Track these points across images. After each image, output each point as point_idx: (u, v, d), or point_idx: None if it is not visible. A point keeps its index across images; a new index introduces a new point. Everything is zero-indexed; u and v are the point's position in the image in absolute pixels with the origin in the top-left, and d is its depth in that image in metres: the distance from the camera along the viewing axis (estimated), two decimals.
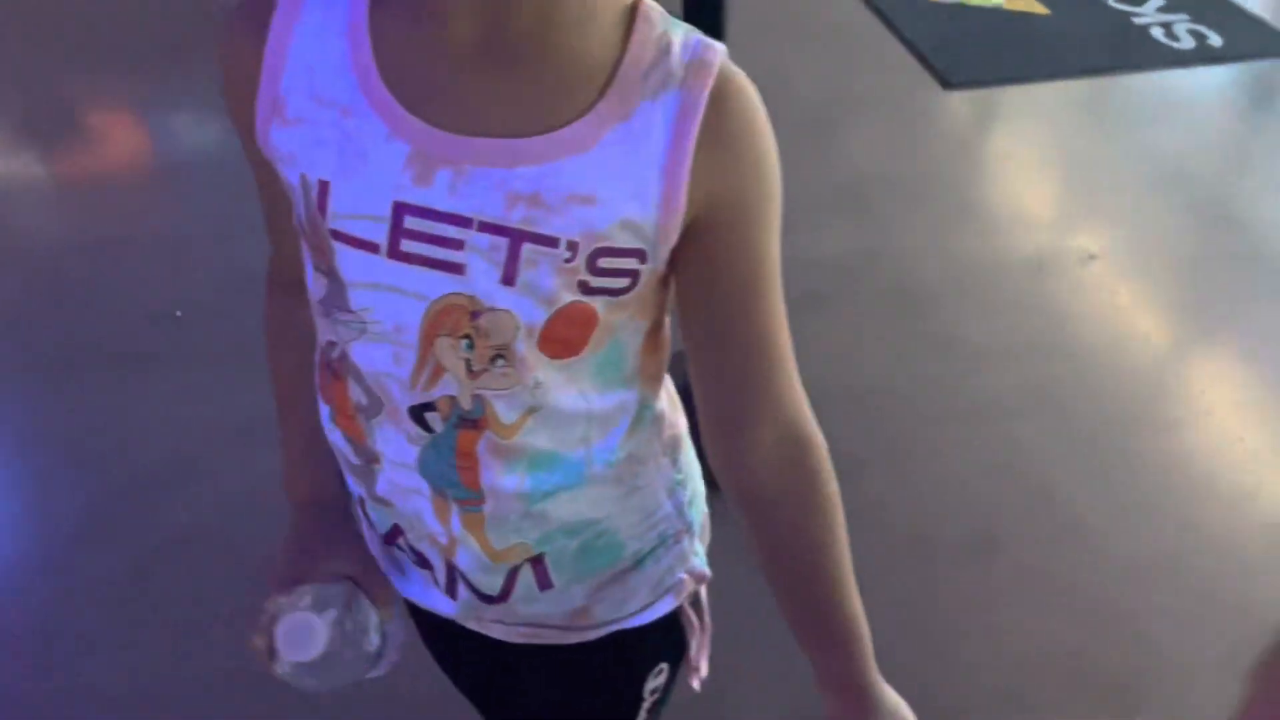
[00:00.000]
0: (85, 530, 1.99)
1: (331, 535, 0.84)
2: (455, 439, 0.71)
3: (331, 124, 0.66)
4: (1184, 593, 1.85)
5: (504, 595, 0.80)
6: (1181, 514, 2.00)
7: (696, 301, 0.72)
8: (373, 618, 0.79)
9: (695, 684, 0.92)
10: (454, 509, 0.75)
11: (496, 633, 0.86)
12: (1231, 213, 2.85)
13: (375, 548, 0.87)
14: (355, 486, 0.82)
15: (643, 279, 0.68)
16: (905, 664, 0.89)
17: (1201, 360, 2.43)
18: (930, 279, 2.56)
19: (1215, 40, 3.54)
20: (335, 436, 0.79)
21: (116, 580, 1.90)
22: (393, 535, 0.82)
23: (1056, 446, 2.12)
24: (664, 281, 0.72)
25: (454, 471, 0.73)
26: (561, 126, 0.64)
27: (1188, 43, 3.54)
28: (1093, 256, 2.63)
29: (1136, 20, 3.65)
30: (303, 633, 0.73)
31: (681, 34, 0.67)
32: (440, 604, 0.85)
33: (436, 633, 0.98)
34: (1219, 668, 1.72)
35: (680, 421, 0.85)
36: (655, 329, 0.75)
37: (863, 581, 0.79)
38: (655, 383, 0.79)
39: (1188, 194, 2.91)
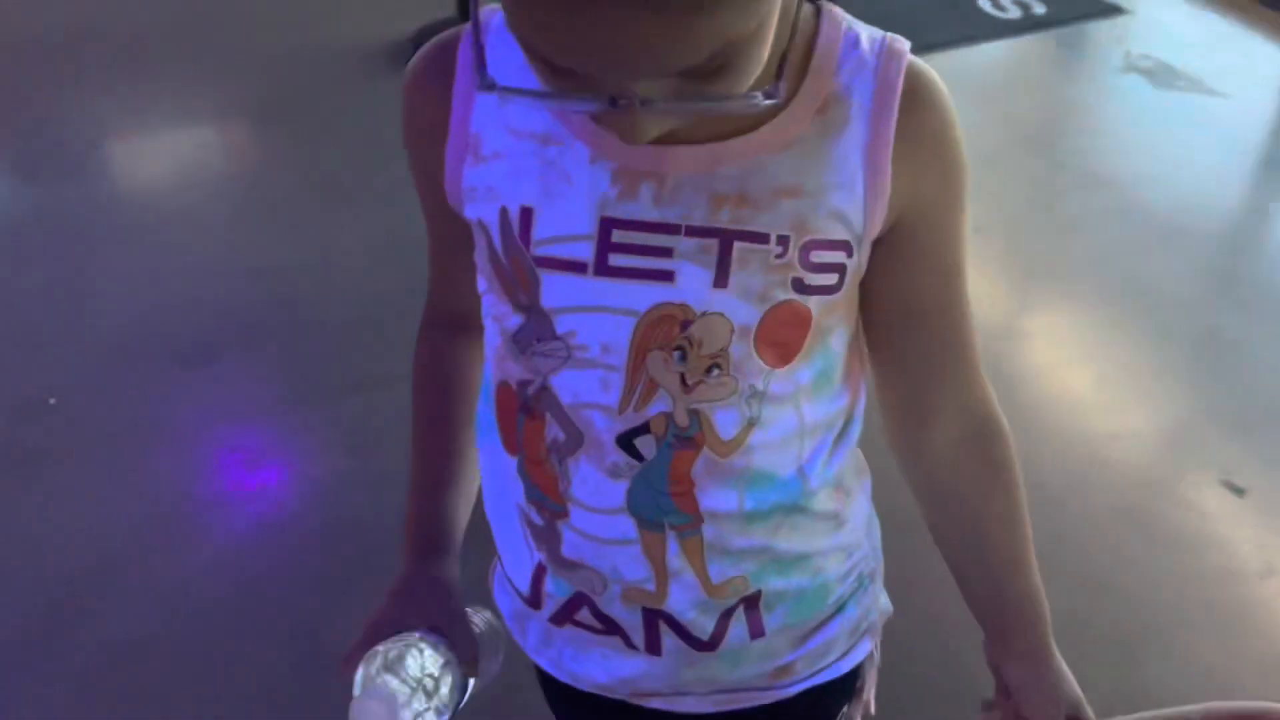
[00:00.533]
0: (16, 656, 1.78)
1: (433, 582, 0.79)
2: (670, 461, 0.69)
3: (531, 154, 0.66)
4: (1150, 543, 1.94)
5: (714, 642, 0.76)
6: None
7: (891, 294, 0.71)
8: (452, 674, 0.74)
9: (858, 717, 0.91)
10: (670, 538, 0.71)
11: (687, 705, 0.81)
12: (1096, 169, 3.03)
13: (533, 634, 0.82)
14: (527, 552, 0.78)
15: (849, 276, 0.67)
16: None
17: (1103, 324, 2.57)
18: None
19: (1039, 9, 3.75)
20: (517, 494, 0.75)
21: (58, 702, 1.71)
22: (572, 608, 0.78)
23: None
24: (859, 285, 0.71)
25: (668, 499, 0.70)
26: (761, 125, 0.63)
27: (1014, 12, 3.73)
28: (978, 229, 2.74)
29: None
30: (371, 709, 0.69)
31: (868, 30, 0.67)
32: (628, 668, 0.79)
33: (595, 716, 0.90)
34: (1205, 608, 1.82)
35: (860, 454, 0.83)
36: (855, 338, 0.74)
37: None
38: (859, 396, 0.77)
39: (1051, 156, 3.07)
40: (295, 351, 2.44)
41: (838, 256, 0.66)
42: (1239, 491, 2.09)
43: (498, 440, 0.75)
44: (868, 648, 0.86)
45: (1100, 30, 3.69)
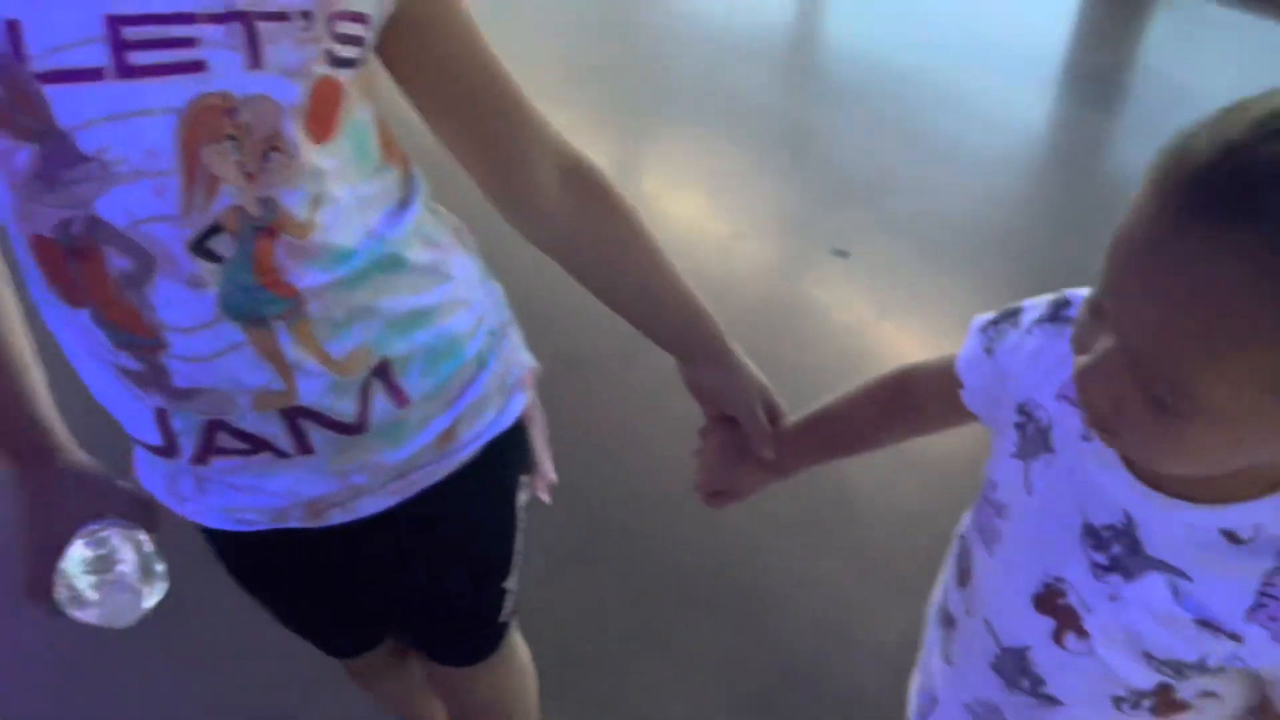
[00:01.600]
0: None
1: (68, 484, 0.77)
2: (252, 253, 0.65)
3: None
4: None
5: (362, 423, 0.75)
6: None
7: (428, 66, 0.73)
8: (144, 549, 0.76)
9: (546, 495, 0.97)
10: (279, 330, 0.69)
11: (366, 507, 0.82)
12: (668, 4, 3.20)
13: (184, 480, 0.79)
14: (138, 403, 0.73)
15: (366, 48, 0.67)
16: None
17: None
18: None
19: None
20: (101, 349, 0.70)
21: None
22: (209, 439, 0.74)
23: None
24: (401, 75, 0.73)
25: (262, 290, 0.67)
26: None
27: None
28: (577, 80, 2.83)
29: None
30: (75, 598, 0.72)
31: None
32: (291, 483, 0.78)
33: (282, 562, 0.91)
34: (841, 356, 2.06)
35: (459, 222, 0.85)
36: (378, 119, 0.74)
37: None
38: (407, 165, 0.78)
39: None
40: None
41: (358, 29, 0.65)
42: (845, 254, 2.38)
43: (57, 299, 0.68)
44: (522, 399, 0.88)
45: None
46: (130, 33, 0.58)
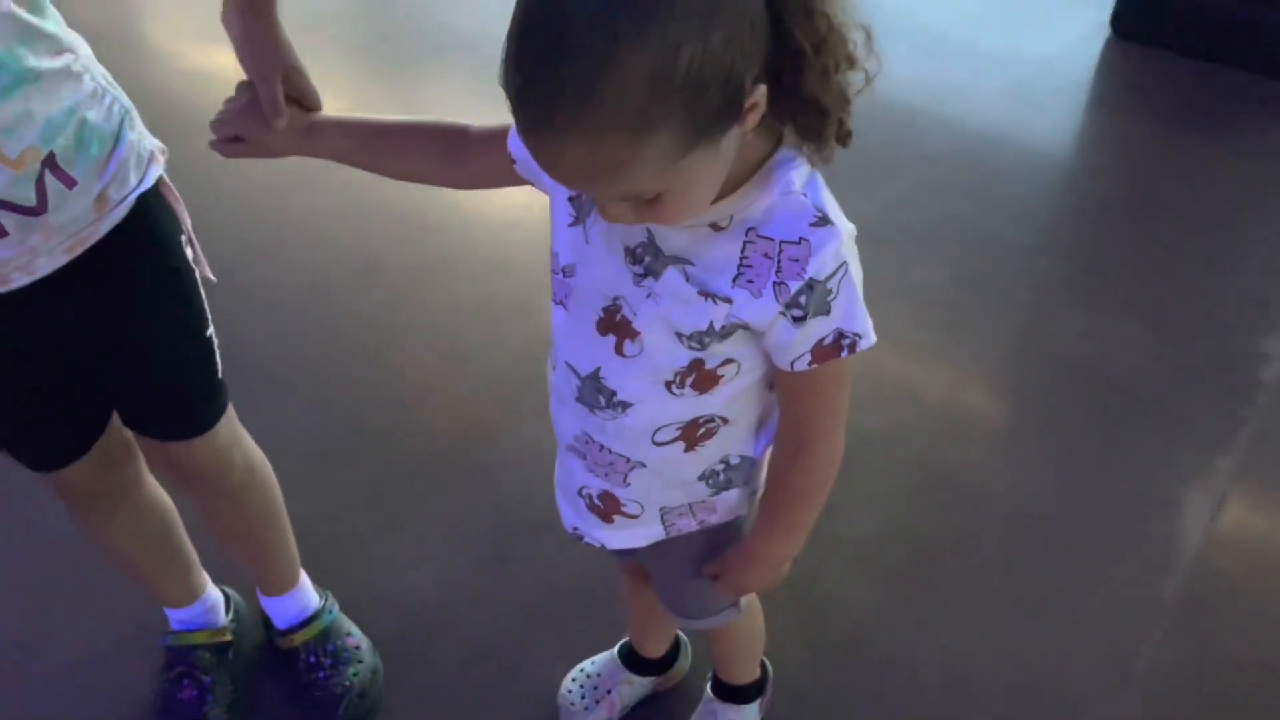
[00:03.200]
0: None
1: None
2: None
3: None
4: None
5: (43, 205, 0.91)
6: None
7: None
8: None
9: (208, 270, 1.09)
10: None
11: (42, 267, 0.94)
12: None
13: None
14: None
15: None
16: None
17: None
18: None
19: None
20: None
21: None
22: None
23: None
24: None
25: None
26: None
27: None
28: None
29: None
30: None
31: None
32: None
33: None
34: None
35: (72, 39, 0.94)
36: None
37: None
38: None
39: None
40: None
41: None
42: None
43: None
44: (158, 170, 1.03)
45: None
46: None
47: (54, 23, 0.91)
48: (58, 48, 0.91)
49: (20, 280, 0.94)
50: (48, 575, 1.55)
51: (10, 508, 1.62)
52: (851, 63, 0.72)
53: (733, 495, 0.95)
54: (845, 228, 0.76)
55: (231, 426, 1.19)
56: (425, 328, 2.03)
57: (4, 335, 1.00)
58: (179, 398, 1.13)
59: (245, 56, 0.93)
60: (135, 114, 1.00)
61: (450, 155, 0.95)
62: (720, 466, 0.92)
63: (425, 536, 1.63)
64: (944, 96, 2.75)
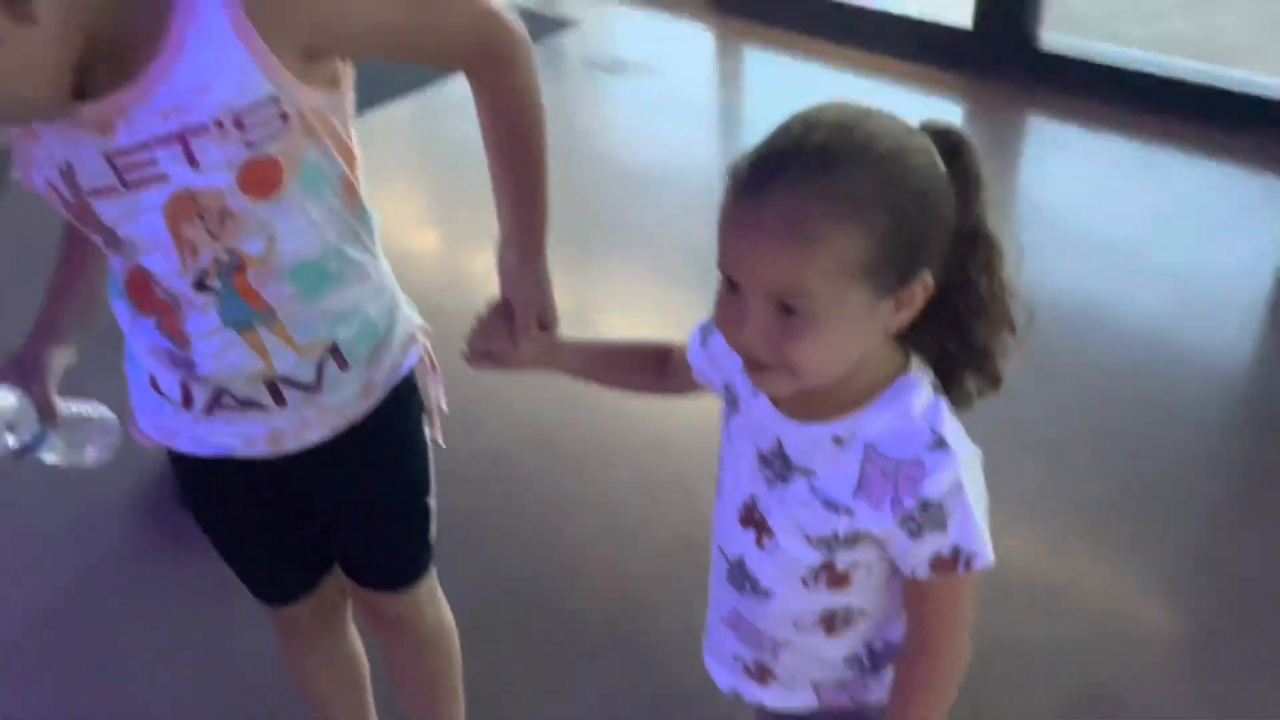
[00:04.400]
0: None
1: (36, 358, 1.09)
2: (232, 283, 0.98)
3: (56, 132, 0.91)
4: None
5: (318, 383, 1.06)
6: None
7: (362, 46, 0.96)
8: (29, 421, 1.06)
9: (439, 436, 1.23)
10: (261, 330, 1.01)
11: (312, 437, 1.10)
12: (585, 147, 3.54)
13: (182, 420, 1.09)
14: (172, 375, 1.05)
15: (294, 111, 0.91)
16: None
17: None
18: None
19: None
20: (154, 339, 1.02)
21: None
22: (215, 400, 1.06)
23: None
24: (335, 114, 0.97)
25: (244, 305, 0.99)
26: (161, 51, 0.86)
27: None
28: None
29: None
30: None
31: None
32: (265, 425, 1.08)
33: (240, 489, 1.17)
34: None
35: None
36: (347, 149, 1.00)
37: None
38: (358, 191, 1.04)
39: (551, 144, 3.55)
40: None
41: (271, 110, 0.90)
42: None
43: (133, 306, 1.03)
44: (417, 353, 1.17)
45: (561, 41, 4.28)
46: (120, 162, 0.91)
47: (371, 224, 1.08)
48: (370, 247, 1.08)
49: (290, 446, 1.10)
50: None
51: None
52: (1013, 329, 0.83)
53: (886, 676, 1.00)
54: (964, 451, 0.83)
55: (431, 584, 1.33)
56: (593, 501, 2.15)
57: (261, 487, 1.17)
58: (396, 555, 1.27)
59: (509, 286, 1.11)
60: (401, 296, 1.16)
61: (658, 374, 1.09)
62: (863, 651, 0.97)
63: (583, 703, 1.69)
64: (1112, 304, 2.77)
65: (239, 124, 0.90)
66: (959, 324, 0.82)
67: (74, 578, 2.10)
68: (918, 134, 0.80)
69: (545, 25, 4.36)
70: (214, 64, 0.87)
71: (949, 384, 0.86)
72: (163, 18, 0.86)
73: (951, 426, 0.84)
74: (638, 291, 2.87)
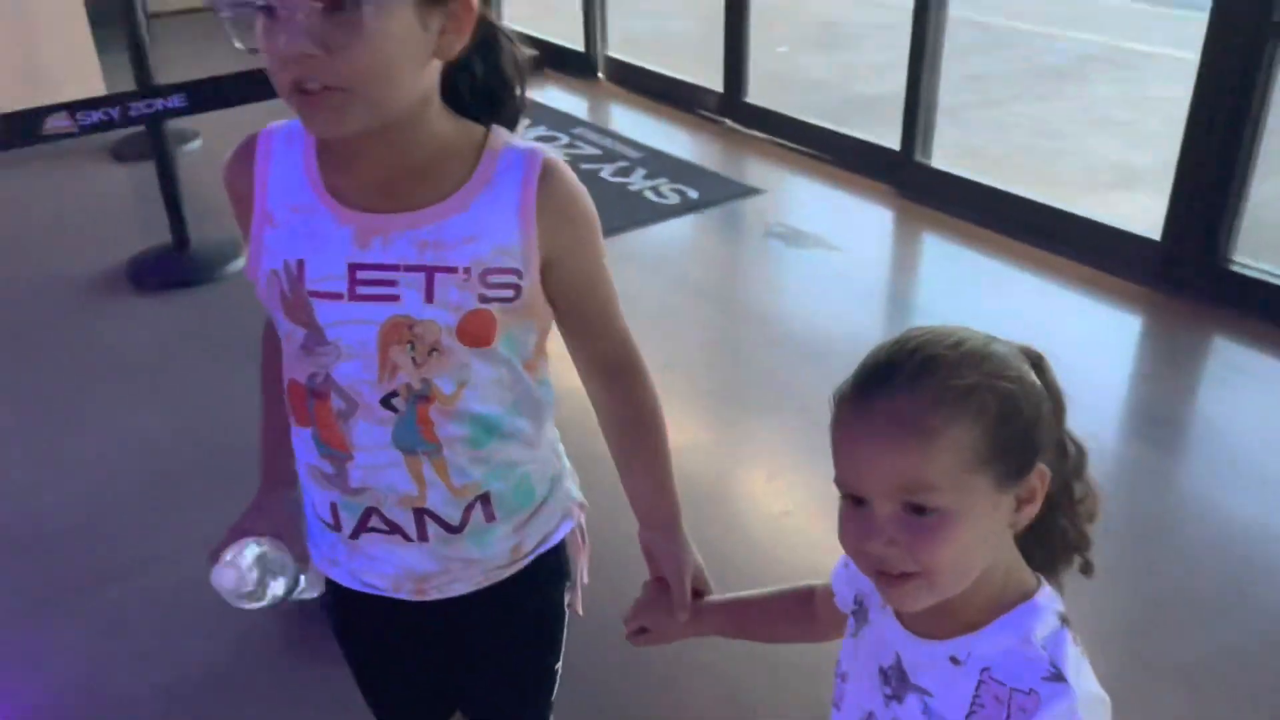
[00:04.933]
0: None
1: (276, 503, 1.15)
2: (415, 410, 1.03)
3: (301, 221, 0.99)
4: None
5: (462, 525, 1.09)
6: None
7: (559, 295, 1.07)
8: (289, 567, 1.10)
9: (578, 606, 1.25)
10: (424, 461, 1.05)
11: (456, 589, 1.13)
12: (756, 311, 3.63)
13: (340, 549, 1.14)
14: (325, 495, 1.10)
15: (525, 291, 1.01)
16: None
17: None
18: None
19: (692, 193, 4.46)
20: (311, 456, 1.07)
21: None
22: (363, 523, 1.10)
23: None
24: (546, 302, 1.06)
25: (418, 434, 1.04)
26: (448, 197, 0.98)
27: (673, 199, 4.42)
28: (668, 365, 3.21)
29: (631, 188, 4.50)
30: (227, 574, 1.06)
31: (518, 138, 1.04)
32: (410, 559, 1.11)
33: (384, 626, 1.21)
34: None
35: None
36: (544, 334, 1.09)
37: None
38: (541, 372, 1.13)
39: (718, 304, 3.66)
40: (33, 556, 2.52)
41: (510, 279, 1.00)
42: None
43: (293, 419, 1.08)
44: (570, 526, 1.20)
45: (744, 207, 4.44)
46: (360, 274, 0.98)
47: (549, 400, 1.15)
48: (541, 419, 1.13)
49: (433, 595, 1.14)
50: None
51: None
52: (1092, 517, 0.88)
53: None
54: (1085, 690, 0.81)
55: None
56: (715, 672, 2.13)
57: (405, 626, 1.21)
58: (516, 710, 1.30)
59: (660, 564, 1.16)
60: (568, 469, 1.21)
61: (803, 620, 1.12)
62: None
63: None
64: None
65: (483, 279, 0.99)
66: (1059, 522, 0.86)
67: (210, 661, 2.21)
68: (1000, 340, 0.85)
69: (730, 190, 4.54)
70: (488, 226, 0.98)
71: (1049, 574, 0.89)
72: (463, 169, 0.98)
73: (1076, 662, 0.82)
74: (787, 456, 2.89)
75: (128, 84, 3.68)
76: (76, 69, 5.08)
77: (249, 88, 2.12)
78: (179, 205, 3.85)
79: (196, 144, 4.90)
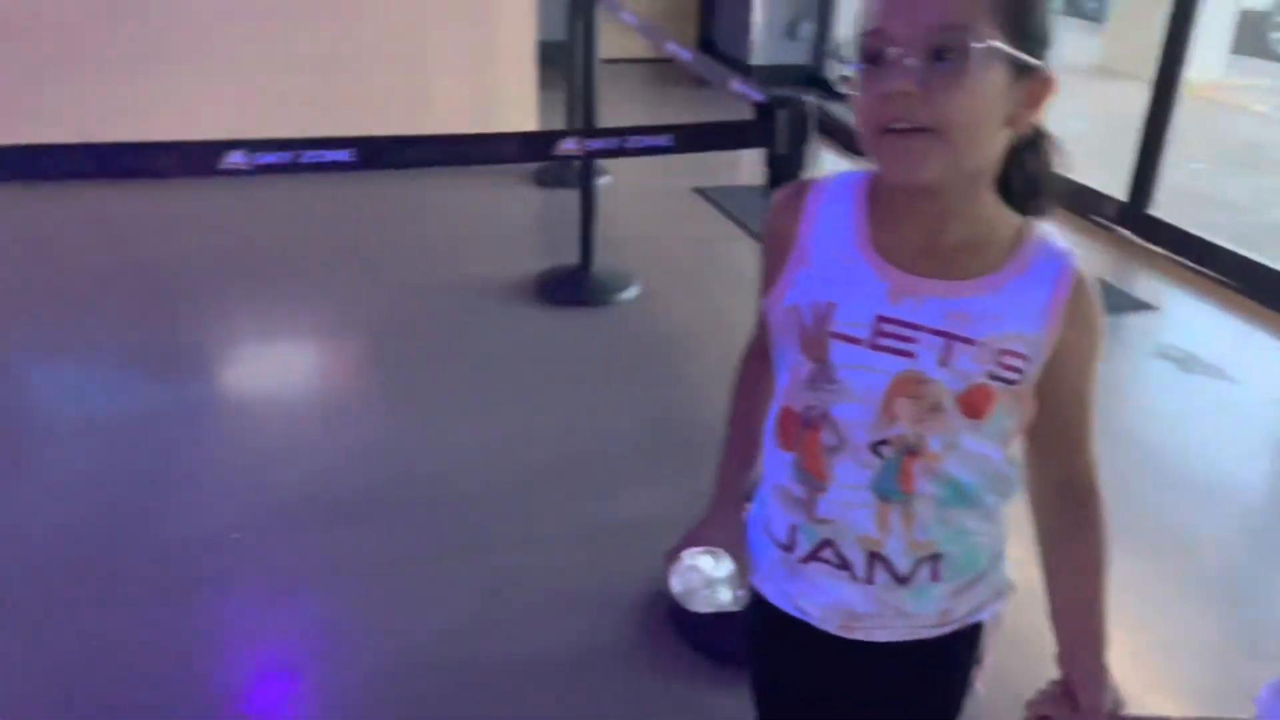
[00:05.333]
0: None
1: (730, 519, 1.25)
2: (900, 461, 1.09)
3: (839, 268, 1.08)
4: None
5: (909, 578, 1.14)
6: None
7: (1047, 394, 1.10)
8: (734, 579, 1.19)
9: (980, 685, 1.26)
10: (894, 508, 1.11)
11: (879, 635, 1.18)
12: (1138, 435, 3.45)
13: (780, 570, 1.21)
14: (786, 516, 1.17)
15: (1026, 377, 1.07)
16: None
17: None
18: None
19: None
20: (783, 478, 1.16)
21: None
22: (815, 551, 1.16)
23: None
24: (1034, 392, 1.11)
25: (896, 483, 1.10)
26: (983, 276, 1.05)
27: None
28: None
29: None
30: (689, 576, 1.18)
31: (1055, 233, 1.09)
32: (849, 596, 1.16)
33: (800, 653, 1.27)
34: None
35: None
36: (1025, 421, 1.13)
37: None
38: (1015, 451, 1.17)
39: (1101, 420, 3.51)
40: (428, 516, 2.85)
41: (1019, 363, 1.05)
42: None
43: (776, 440, 1.17)
44: (996, 608, 1.21)
45: (1135, 323, 4.22)
46: (885, 327, 1.06)
47: (1014, 482, 1.18)
48: (1005, 496, 1.18)
49: (858, 636, 1.19)
50: None
51: None
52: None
53: None
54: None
55: None
56: None
57: (814, 661, 1.26)
58: None
59: (1079, 685, 1.17)
60: (1004, 554, 1.24)
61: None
62: None
63: None
64: None
65: (996, 357, 1.05)
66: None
67: (573, 643, 2.39)
68: None
69: (1122, 302, 4.34)
70: (1014, 310, 1.05)
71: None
72: (1000, 252, 1.06)
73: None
74: (1166, 608, 2.63)
75: (555, 121, 4.05)
76: (518, 102, 5.69)
77: (723, 136, 2.41)
78: (591, 232, 4.24)
79: (608, 179, 5.36)
